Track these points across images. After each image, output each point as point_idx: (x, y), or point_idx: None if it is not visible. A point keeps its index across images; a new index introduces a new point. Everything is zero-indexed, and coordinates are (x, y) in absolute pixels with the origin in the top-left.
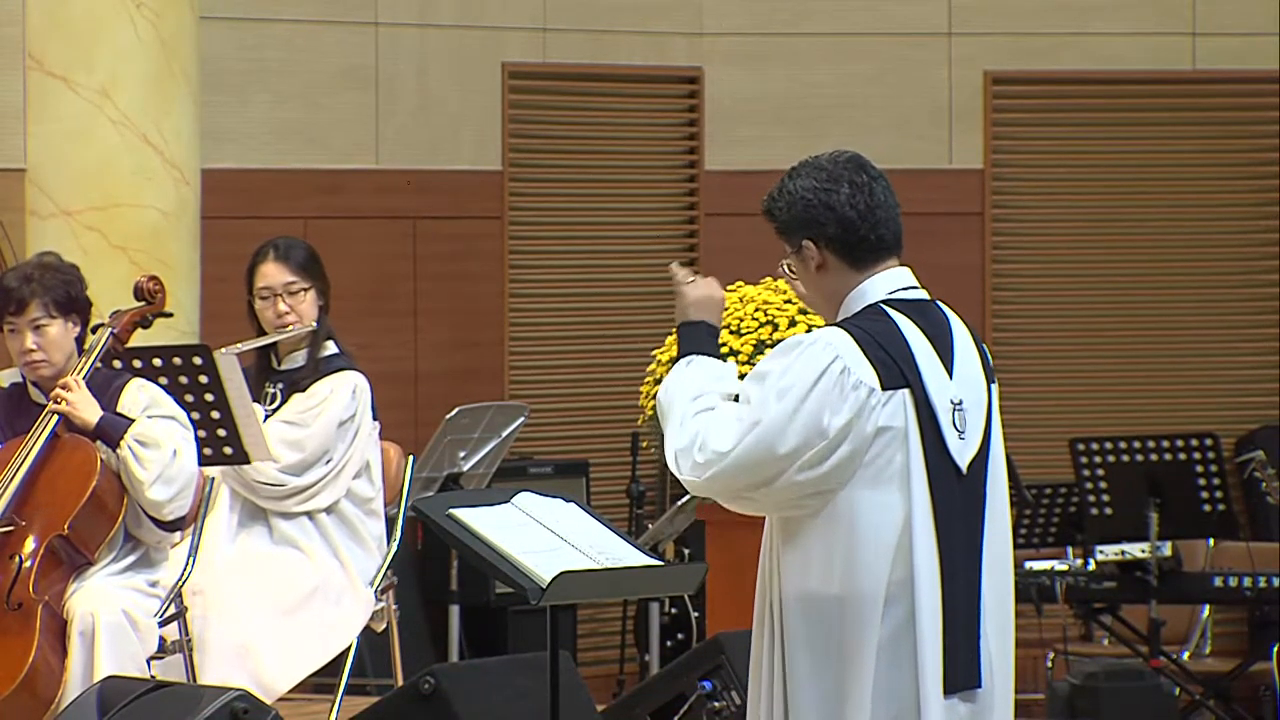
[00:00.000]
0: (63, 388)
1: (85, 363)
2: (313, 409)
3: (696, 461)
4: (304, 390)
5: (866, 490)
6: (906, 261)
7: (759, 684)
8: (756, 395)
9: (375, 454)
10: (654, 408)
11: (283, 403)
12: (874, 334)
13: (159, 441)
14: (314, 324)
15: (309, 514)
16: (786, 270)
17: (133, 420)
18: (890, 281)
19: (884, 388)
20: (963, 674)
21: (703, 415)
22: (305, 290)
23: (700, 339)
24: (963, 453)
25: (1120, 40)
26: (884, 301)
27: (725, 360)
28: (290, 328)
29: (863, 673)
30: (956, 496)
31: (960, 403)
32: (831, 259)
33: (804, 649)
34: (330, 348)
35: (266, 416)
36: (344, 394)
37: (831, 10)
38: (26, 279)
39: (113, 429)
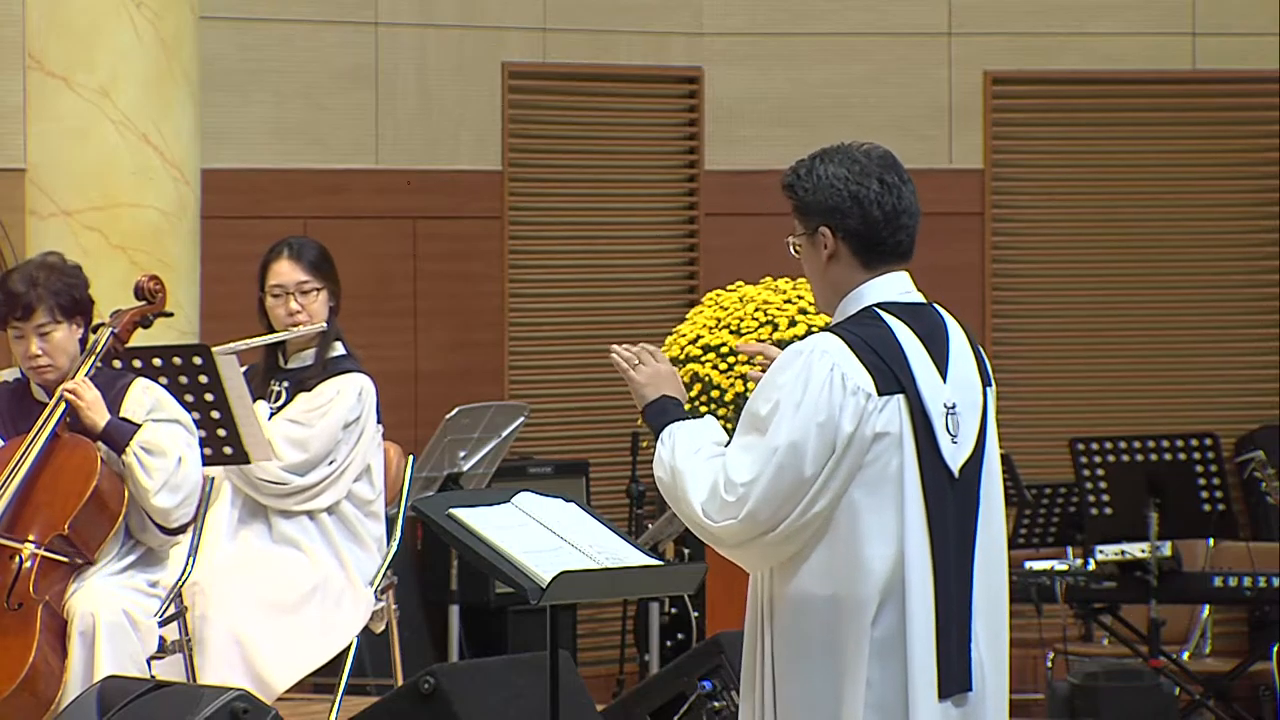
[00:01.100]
0: (71, 392)
1: (87, 363)
2: (318, 409)
3: (726, 501)
4: (310, 390)
5: (861, 494)
6: (908, 265)
7: (751, 684)
8: (767, 421)
9: (377, 457)
10: None
11: (288, 401)
12: (868, 339)
13: (164, 449)
14: (323, 324)
15: (309, 513)
16: (792, 248)
17: (138, 426)
18: (890, 286)
19: (880, 393)
20: (954, 678)
21: (713, 460)
22: (317, 291)
23: (667, 412)
24: (955, 457)
25: (1120, 40)
26: (879, 305)
27: (701, 417)
28: (299, 326)
29: (856, 675)
30: (949, 501)
31: (954, 407)
32: (844, 251)
33: (796, 650)
34: (338, 349)
35: (271, 414)
36: (350, 396)
37: (831, 10)
38: (32, 282)
39: (119, 435)
